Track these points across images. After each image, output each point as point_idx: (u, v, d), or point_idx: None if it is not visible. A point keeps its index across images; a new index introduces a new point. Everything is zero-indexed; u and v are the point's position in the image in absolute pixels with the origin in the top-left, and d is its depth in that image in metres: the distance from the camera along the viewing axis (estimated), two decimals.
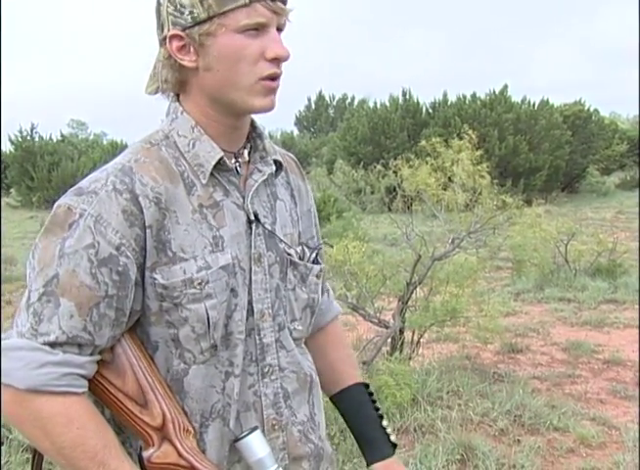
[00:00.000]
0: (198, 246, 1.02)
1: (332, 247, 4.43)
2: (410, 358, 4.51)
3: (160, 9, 1.03)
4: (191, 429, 1.01)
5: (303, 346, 1.21)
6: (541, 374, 4.71)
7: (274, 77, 1.02)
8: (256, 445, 1.02)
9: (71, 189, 1.00)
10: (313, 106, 39.98)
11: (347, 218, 11.06)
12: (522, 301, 7.10)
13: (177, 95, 1.08)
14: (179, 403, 1.02)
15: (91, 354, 0.97)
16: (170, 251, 1.00)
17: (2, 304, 6.03)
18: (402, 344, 4.57)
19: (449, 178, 5.25)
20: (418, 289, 4.71)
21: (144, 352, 1.02)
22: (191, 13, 0.99)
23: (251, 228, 1.07)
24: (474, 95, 20.05)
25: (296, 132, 37.96)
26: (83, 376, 0.96)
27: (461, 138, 5.55)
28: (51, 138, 23.96)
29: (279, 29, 1.03)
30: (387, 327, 4.46)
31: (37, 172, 21.06)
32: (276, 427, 1.10)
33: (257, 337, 1.08)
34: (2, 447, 3.09)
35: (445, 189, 5.21)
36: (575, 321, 6.20)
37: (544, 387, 4.45)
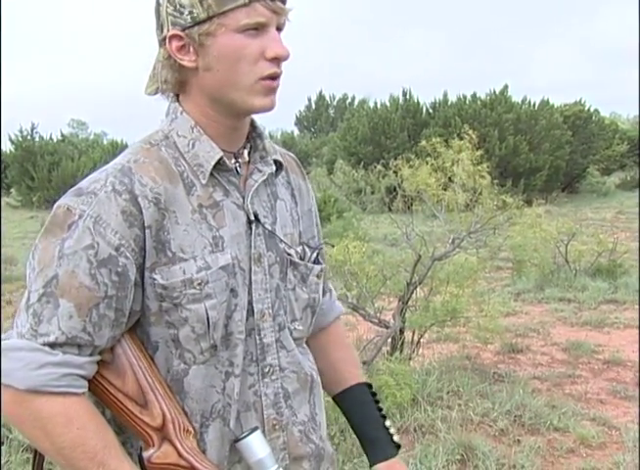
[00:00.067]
0: (197, 246, 1.02)
1: (332, 246, 4.43)
2: (410, 358, 4.51)
3: (159, 9, 1.03)
4: (191, 429, 1.01)
5: (305, 345, 1.21)
6: (541, 374, 4.71)
7: (274, 77, 1.02)
8: (257, 445, 1.02)
9: (71, 190, 1.00)
10: (313, 106, 39.97)
11: (348, 218, 11.06)
12: (522, 301, 7.10)
13: (177, 95, 1.08)
14: (179, 404, 1.02)
15: (91, 355, 0.97)
16: (170, 251, 1.00)
17: (2, 303, 6.04)
18: (402, 344, 4.57)
19: (449, 178, 5.25)
20: (418, 289, 4.71)
21: (144, 352, 1.02)
22: (190, 13, 0.99)
23: (250, 228, 1.07)
24: (474, 95, 20.06)
25: (296, 132, 37.96)
26: (83, 376, 0.96)
27: (461, 138, 5.55)
28: (51, 138, 23.98)
29: (279, 29, 1.03)
30: (387, 327, 4.46)
31: (37, 172, 21.06)
32: (276, 427, 1.10)
33: (258, 337, 1.08)
34: (2, 447, 3.09)
35: (445, 189, 5.21)
36: (576, 321, 6.20)
37: (544, 387, 4.45)
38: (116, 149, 20.42)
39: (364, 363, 3.98)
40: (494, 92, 19.81)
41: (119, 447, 0.98)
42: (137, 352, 1.01)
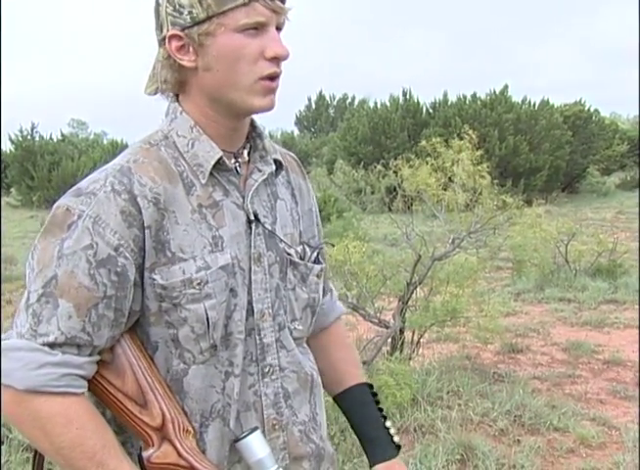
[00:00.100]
0: (197, 246, 1.02)
1: (333, 246, 4.43)
2: (410, 358, 4.51)
3: (158, 9, 1.03)
4: (190, 429, 1.01)
5: (305, 345, 1.20)
6: (541, 374, 4.71)
7: (274, 77, 1.02)
8: (256, 445, 1.02)
9: (70, 190, 1.00)
10: (313, 106, 39.98)
11: (348, 218, 11.05)
12: (522, 301, 7.10)
13: (176, 95, 1.08)
14: (179, 404, 1.02)
15: (90, 355, 0.97)
16: (169, 251, 1.00)
17: (2, 303, 6.03)
18: (402, 344, 4.57)
19: (449, 178, 5.25)
20: (418, 289, 4.71)
21: (144, 352, 1.02)
22: (190, 13, 0.99)
23: (250, 228, 1.07)
24: (474, 95, 20.06)
25: (296, 132, 37.98)
26: (82, 376, 0.96)
27: (461, 138, 5.55)
28: (51, 137, 23.98)
29: (278, 28, 1.02)
30: (387, 327, 4.46)
31: (37, 172, 21.06)
32: (276, 427, 1.10)
33: (257, 337, 1.08)
34: (2, 447, 3.09)
35: (445, 189, 5.21)
36: (576, 321, 6.21)
37: (544, 387, 4.45)
38: (116, 149, 20.42)
39: (364, 363, 3.98)
40: (494, 92, 19.81)
41: (119, 447, 0.98)
42: (137, 351, 1.01)
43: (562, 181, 20.54)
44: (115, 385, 0.99)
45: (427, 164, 5.30)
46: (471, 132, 5.57)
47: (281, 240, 1.11)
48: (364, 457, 1.27)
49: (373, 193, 15.94)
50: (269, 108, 1.04)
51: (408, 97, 20.76)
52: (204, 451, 1.03)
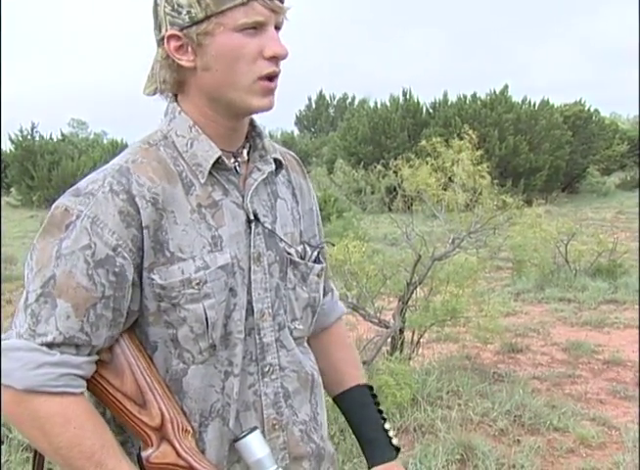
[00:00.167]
0: (196, 246, 1.02)
1: (333, 245, 4.43)
2: (410, 358, 4.51)
3: (157, 9, 1.03)
4: (190, 429, 1.01)
5: (306, 345, 1.20)
6: (541, 374, 4.71)
7: (273, 76, 1.02)
8: (255, 445, 1.02)
9: (69, 190, 1.01)
10: (314, 105, 39.99)
11: (348, 218, 11.05)
12: (522, 301, 7.10)
13: (175, 95, 1.08)
14: (178, 403, 1.02)
15: (89, 355, 0.97)
16: (168, 251, 1.00)
17: (2, 303, 6.03)
18: (402, 344, 4.57)
19: (449, 178, 5.25)
20: (418, 289, 4.71)
21: (143, 352, 1.02)
22: (188, 12, 0.99)
23: (250, 227, 1.07)
24: (474, 95, 20.06)
25: (296, 132, 37.99)
26: (81, 376, 0.96)
27: (461, 138, 5.55)
28: (51, 137, 23.99)
29: (277, 28, 1.02)
30: (387, 327, 4.46)
31: (37, 171, 21.07)
32: (276, 426, 1.10)
33: (257, 336, 1.08)
34: (2, 446, 3.09)
35: (445, 189, 5.21)
36: (575, 321, 6.21)
37: (544, 387, 4.45)
38: (116, 148, 20.42)
39: (364, 363, 3.98)
40: (494, 92, 19.81)
41: (117, 447, 0.98)
42: (136, 351, 1.01)
43: (562, 181, 20.54)
44: (114, 385, 0.99)
45: (427, 163, 5.30)
46: (471, 132, 5.57)
47: (281, 239, 1.11)
48: (364, 457, 1.27)
49: (373, 193, 15.94)
50: (268, 108, 1.04)
51: (408, 97, 20.76)
52: (203, 451, 1.03)
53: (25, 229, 14.16)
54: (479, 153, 5.40)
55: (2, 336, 0.97)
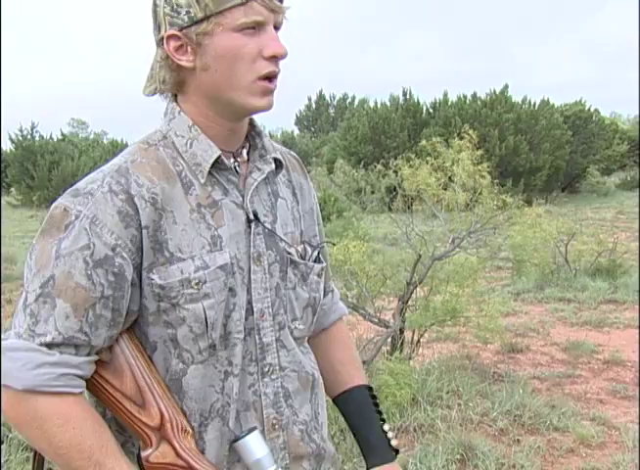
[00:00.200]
0: (196, 246, 1.01)
1: (334, 245, 4.44)
2: (410, 358, 4.52)
3: (156, 10, 1.03)
4: (189, 429, 1.01)
5: (306, 345, 1.20)
6: (541, 374, 4.72)
7: (272, 76, 1.02)
8: (255, 445, 1.01)
9: (68, 190, 1.01)
10: (314, 105, 40.02)
11: (348, 218, 11.05)
12: (522, 301, 7.10)
13: (175, 95, 1.08)
14: (177, 403, 1.02)
15: (88, 355, 0.97)
16: (167, 251, 1.00)
17: (2, 302, 6.03)
18: (402, 343, 4.57)
19: (450, 178, 5.25)
20: (418, 288, 4.71)
21: (142, 352, 1.02)
22: (187, 13, 0.99)
23: (250, 227, 1.07)
24: (474, 95, 20.08)
25: (296, 132, 38.02)
26: (80, 376, 0.96)
27: (461, 138, 5.55)
28: (51, 137, 24.01)
29: (276, 27, 1.02)
30: (387, 327, 4.46)
31: (38, 171, 21.08)
32: (276, 426, 1.10)
33: (257, 336, 1.08)
34: (2, 446, 3.09)
35: (446, 189, 5.21)
36: (575, 321, 6.21)
37: (544, 387, 4.46)
38: (117, 148, 20.44)
39: (364, 363, 3.98)
40: (494, 92, 19.82)
41: (117, 447, 0.98)
42: (135, 351, 1.01)
43: (562, 181, 20.56)
44: (114, 385, 0.99)
45: (427, 163, 5.30)
46: (471, 132, 5.57)
47: (281, 239, 1.11)
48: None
49: (373, 193, 15.92)
50: (267, 108, 1.04)
51: (408, 97, 20.77)
52: (203, 451, 1.03)
53: (25, 229, 14.16)
54: (479, 153, 5.40)
55: (2, 336, 0.97)
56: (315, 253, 1.18)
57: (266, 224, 1.09)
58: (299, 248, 1.15)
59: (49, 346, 0.94)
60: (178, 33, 1.00)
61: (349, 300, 4.48)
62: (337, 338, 1.31)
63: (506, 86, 20.05)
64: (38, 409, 0.93)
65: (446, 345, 5.38)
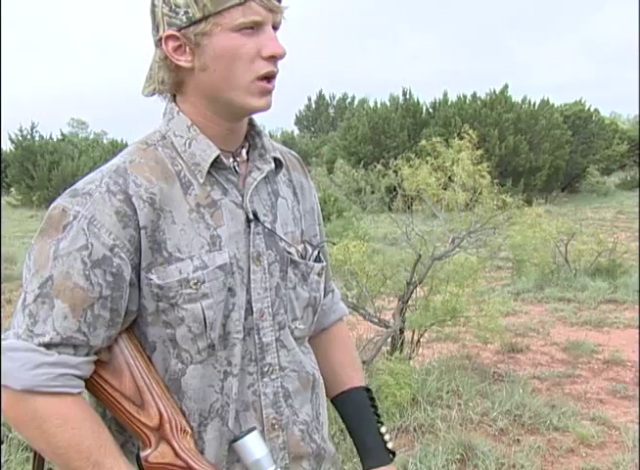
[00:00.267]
0: (195, 245, 1.01)
1: (334, 244, 4.44)
2: (410, 358, 4.52)
3: (154, 10, 1.03)
4: (188, 429, 1.01)
5: (307, 345, 1.20)
6: (541, 374, 4.72)
7: (270, 76, 1.02)
8: (254, 445, 1.01)
9: (67, 190, 1.01)
10: (313, 105, 40.03)
11: (348, 218, 11.05)
12: (522, 300, 7.10)
13: (174, 95, 1.08)
14: (177, 404, 1.02)
15: (87, 355, 0.97)
16: (166, 251, 1.00)
17: (2, 303, 6.03)
18: (402, 343, 4.57)
19: (449, 178, 5.25)
20: (418, 288, 4.71)
21: (141, 352, 1.02)
22: (186, 13, 0.99)
23: (250, 227, 1.07)
24: (474, 95, 20.08)
25: (296, 132, 38.02)
26: (79, 376, 0.96)
27: (461, 138, 5.55)
28: (51, 137, 24.00)
29: (274, 27, 1.02)
30: (387, 327, 4.46)
31: (37, 171, 21.08)
32: (276, 426, 1.10)
33: (257, 336, 1.07)
34: (2, 446, 3.09)
35: (445, 189, 5.21)
36: (575, 321, 6.21)
37: (544, 387, 4.46)
38: (116, 148, 20.43)
39: (364, 363, 3.97)
40: (494, 92, 19.82)
41: (115, 447, 0.98)
42: (134, 351, 1.01)
43: (562, 181, 20.57)
44: (113, 385, 0.99)
45: (427, 163, 5.30)
46: (471, 132, 5.57)
47: (281, 239, 1.10)
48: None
49: (373, 192, 15.92)
50: (266, 108, 1.04)
51: (408, 97, 20.77)
52: (202, 451, 1.03)
53: (25, 229, 14.16)
54: (478, 152, 5.40)
55: (2, 336, 0.97)
56: (315, 252, 1.18)
57: (266, 224, 1.09)
58: (300, 247, 1.15)
59: (47, 346, 0.94)
60: (177, 34, 1.00)
61: (349, 300, 4.48)
62: (337, 338, 1.31)
63: (506, 86, 20.06)
64: (37, 409, 0.94)
65: (446, 345, 5.38)
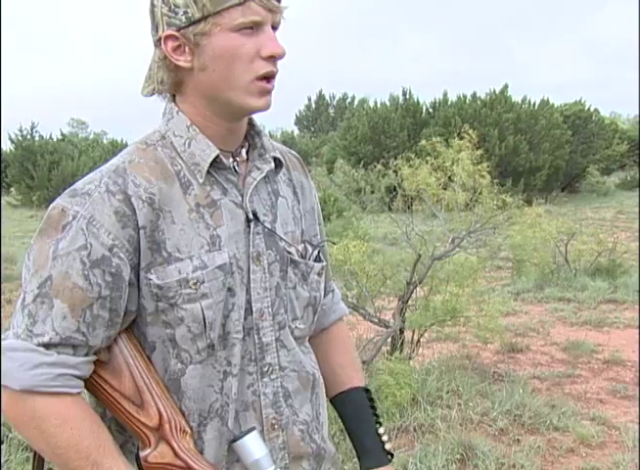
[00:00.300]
0: (194, 245, 1.01)
1: (334, 244, 4.44)
2: (410, 358, 4.51)
3: (154, 10, 1.03)
4: (187, 429, 1.01)
5: (307, 344, 1.20)
6: (541, 374, 4.72)
7: (270, 77, 1.02)
8: (253, 446, 1.01)
9: (66, 190, 1.01)
10: (313, 105, 40.03)
11: (347, 218, 11.05)
12: (522, 300, 7.10)
13: (173, 95, 1.08)
14: (176, 404, 1.02)
15: (86, 355, 0.97)
16: (165, 251, 1.00)
17: (2, 303, 6.03)
18: (402, 343, 4.57)
19: (449, 178, 5.25)
20: (418, 288, 4.71)
21: (141, 352, 1.02)
22: (185, 13, 0.99)
23: (249, 227, 1.07)
24: (474, 95, 20.08)
25: (296, 132, 38.02)
26: (78, 376, 0.96)
27: (461, 138, 5.55)
28: (51, 137, 23.99)
29: (274, 27, 1.02)
30: (387, 326, 4.46)
31: (37, 171, 21.07)
32: (275, 426, 1.10)
33: (257, 336, 1.07)
34: (2, 446, 3.09)
35: (445, 189, 5.21)
36: (575, 321, 6.21)
37: (544, 386, 4.46)
38: (116, 148, 20.43)
39: (364, 363, 3.97)
40: (494, 92, 19.82)
41: (114, 447, 0.98)
42: (134, 351, 1.01)
43: (562, 181, 20.57)
44: (112, 384, 0.99)
45: (427, 163, 5.30)
46: (471, 132, 5.57)
47: (281, 238, 1.10)
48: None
49: (373, 192, 15.90)
50: (265, 108, 1.04)
51: (408, 97, 20.77)
52: (202, 451, 1.03)
53: (25, 229, 14.16)
54: (478, 152, 5.40)
55: (2, 336, 0.97)
56: (316, 252, 1.18)
57: (266, 224, 1.09)
58: (300, 247, 1.15)
59: (47, 346, 0.94)
60: (176, 34, 1.00)
61: (349, 300, 4.48)
62: (337, 338, 1.31)
63: (506, 86, 20.06)
64: (36, 409, 0.94)
65: (446, 345, 5.38)
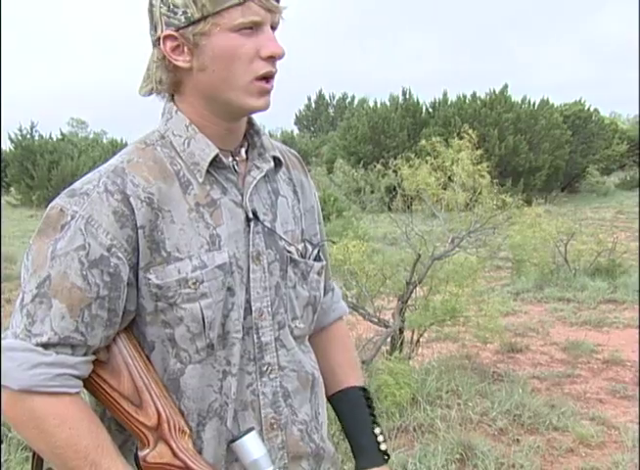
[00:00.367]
0: (194, 245, 1.01)
1: (334, 243, 4.44)
2: (410, 358, 4.51)
3: (152, 10, 1.02)
4: (186, 429, 1.01)
5: (307, 344, 1.20)
6: (541, 374, 4.72)
7: (269, 77, 1.02)
8: (252, 446, 1.01)
9: (65, 190, 1.01)
10: (313, 105, 40.03)
11: (347, 218, 11.04)
12: (521, 300, 7.10)
13: (172, 95, 1.08)
14: (175, 403, 1.02)
15: (85, 355, 0.97)
16: (164, 251, 1.00)
17: (2, 302, 6.03)
18: (402, 343, 4.57)
19: (449, 178, 5.25)
20: (418, 288, 4.71)
21: (140, 351, 1.02)
22: (184, 13, 0.98)
23: (249, 226, 1.07)
24: (474, 95, 20.08)
25: (296, 131, 38.01)
26: (77, 376, 0.96)
27: (461, 138, 5.55)
28: (51, 137, 23.97)
29: (273, 28, 1.02)
30: (386, 326, 4.46)
31: (37, 171, 21.07)
32: (274, 426, 1.10)
33: (256, 336, 1.07)
34: (2, 446, 3.09)
35: (445, 188, 5.21)
36: (575, 321, 6.21)
37: (543, 386, 4.46)
38: (116, 148, 20.43)
39: (363, 362, 3.97)
40: (494, 92, 19.82)
41: (113, 447, 0.98)
42: (133, 351, 1.01)
43: (561, 181, 20.57)
44: (111, 384, 0.99)
45: (426, 163, 5.30)
46: (470, 132, 5.57)
47: (281, 238, 1.10)
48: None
49: (372, 192, 15.90)
50: (264, 108, 1.04)
51: (408, 96, 20.77)
52: (200, 451, 1.03)
53: (25, 228, 14.15)
54: (478, 152, 5.40)
55: (2, 335, 0.97)
56: (315, 251, 1.18)
57: (266, 223, 1.09)
58: (300, 246, 1.15)
59: (45, 346, 0.94)
60: (175, 34, 1.00)
61: (349, 299, 4.48)
62: (336, 337, 1.31)
63: (506, 86, 20.06)
64: (35, 409, 0.94)
65: (446, 344, 5.38)
